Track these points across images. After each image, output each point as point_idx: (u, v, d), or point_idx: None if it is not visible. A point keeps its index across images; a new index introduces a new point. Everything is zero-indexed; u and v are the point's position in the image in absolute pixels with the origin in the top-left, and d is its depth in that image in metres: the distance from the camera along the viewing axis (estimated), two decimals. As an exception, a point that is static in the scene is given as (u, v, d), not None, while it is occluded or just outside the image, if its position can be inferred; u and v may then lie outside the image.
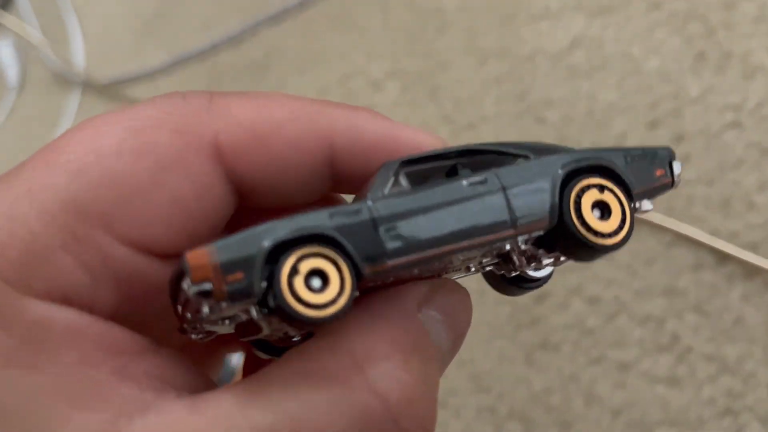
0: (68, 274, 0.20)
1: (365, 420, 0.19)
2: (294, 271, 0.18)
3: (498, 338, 0.44)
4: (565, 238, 0.21)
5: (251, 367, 0.26)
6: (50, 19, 0.74)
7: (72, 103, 0.69)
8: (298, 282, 0.18)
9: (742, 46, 0.47)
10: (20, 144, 0.68)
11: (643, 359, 0.42)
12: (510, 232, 0.20)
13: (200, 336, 0.22)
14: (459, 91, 0.54)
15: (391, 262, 0.19)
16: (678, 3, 0.50)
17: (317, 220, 0.19)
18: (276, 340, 0.22)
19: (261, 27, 0.64)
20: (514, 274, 0.24)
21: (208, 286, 0.18)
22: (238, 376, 0.33)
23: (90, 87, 0.69)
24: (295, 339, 0.22)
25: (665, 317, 0.42)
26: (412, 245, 0.19)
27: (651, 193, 0.23)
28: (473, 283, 0.47)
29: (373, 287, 0.21)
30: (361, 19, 0.60)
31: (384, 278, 0.20)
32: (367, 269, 0.19)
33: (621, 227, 0.21)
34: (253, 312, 0.19)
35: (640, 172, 0.22)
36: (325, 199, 0.24)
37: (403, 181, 0.21)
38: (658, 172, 0.23)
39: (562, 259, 0.23)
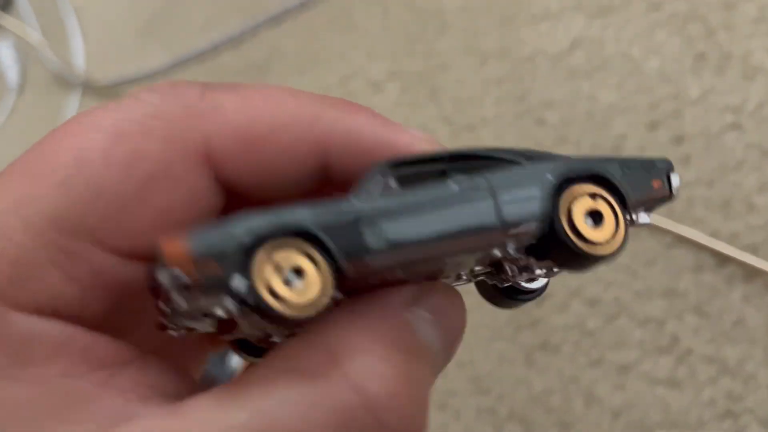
0: (56, 288, 0.19)
1: (344, 415, 0.18)
2: (271, 265, 0.18)
3: (498, 339, 0.44)
4: (556, 247, 0.20)
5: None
6: (50, 20, 0.74)
7: (72, 104, 0.69)
8: (275, 277, 0.18)
9: (742, 47, 0.47)
10: (20, 145, 0.68)
11: (643, 361, 0.42)
12: (499, 236, 0.20)
13: (180, 332, 0.21)
14: (459, 92, 0.54)
15: (372, 261, 0.19)
16: (678, 4, 0.50)
17: (298, 214, 0.18)
18: (258, 340, 0.22)
19: (261, 28, 0.64)
20: (506, 285, 0.23)
21: (181, 275, 0.18)
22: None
23: (90, 88, 0.69)
24: (275, 340, 0.21)
25: (665, 319, 0.42)
26: (395, 245, 0.19)
27: (648, 205, 0.22)
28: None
29: (360, 290, 0.20)
30: (361, 20, 0.60)
31: (369, 279, 0.20)
32: (347, 267, 0.18)
33: (614, 236, 0.21)
34: (229, 306, 0.18)
35: (636, 183, 0.22)
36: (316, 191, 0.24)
37: (392, 182, 0.21)
38: (656, 184, 0.22)
39: (555, 269, 0.22)
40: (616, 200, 0.21)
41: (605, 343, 0.42)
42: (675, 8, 0.50)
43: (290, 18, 0.64)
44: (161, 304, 0.20)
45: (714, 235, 0.42)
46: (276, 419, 0.18)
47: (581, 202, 0.21)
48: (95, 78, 0.69)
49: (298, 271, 0.18)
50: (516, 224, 0.20)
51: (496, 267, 0.22)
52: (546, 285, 0.24)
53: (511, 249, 0.21)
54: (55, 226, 0.19)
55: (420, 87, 0.55)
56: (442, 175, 0.21)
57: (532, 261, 0.21)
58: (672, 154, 0.45)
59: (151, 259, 0.20)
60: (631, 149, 0.46)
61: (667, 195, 0.23)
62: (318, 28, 0.62)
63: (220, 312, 0.19)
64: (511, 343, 0.44)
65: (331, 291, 0.18)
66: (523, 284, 0.23)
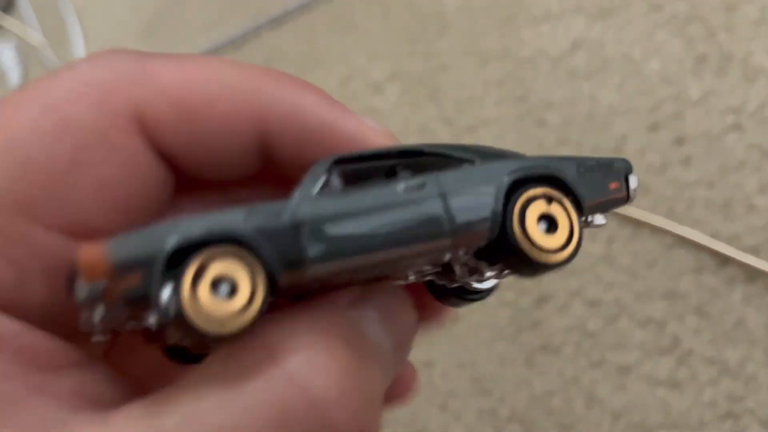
0: None
1: (286, 414, 0.17)
2: (199, 275, 0.16)
3: (499, 341, 0.44)
4: (506, 252, 0.19)
5: None
6: (52, 21, 0.75)
7: (73, 105, 0.69)
8: (203, 288, 0.16)
9: (742, 49, 0.47)
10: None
11: (643, 362, 0.42)
12: (447, 242, 0.19)
13: (105, 337, 0.19)
14: (460, 93, 0.54)
15: (311, 270, 0.17)
16: (679, 5, 0.50)
17: (232, 219, 0.17)
18: (195, 346, 0.20)
19: (262, 29, 0.64)
20: (455, 285, 0.22)
21: (100, 287, 0.16)
22: None
23: (91, 89, 0.69)
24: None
25: (666, 320, 0.42)
26: (336, 252, 0.18)
27: (603, 207, 0.21)
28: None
29: (305, 293, 0.19)
30: (362, 21, 0.60)
31: (314, 284, 0.19)
32: (284, 276, 0.17)
33: (568, 243, 0.20)
34: (153, 321, 0.17)
35: (593, 184, 0.21)
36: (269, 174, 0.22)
37: (336, 181, 0.19)
38: (613, 185, 0.21)
39: (506, 272, 0.21)
40: (571, 203, 0.20)
41: (606, 344, 0.42)
42: (676, 9, 0.50)
43: (291, 19, 0.64)
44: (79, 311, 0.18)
45: (715, 236, 0.42)
46: (206, 424, 0.16)
47: (535, 206, 0.20)
48: (96, 79, 0.69)
49: (230, 283, 0.16)
50: (466, 229, 0.19)
51: (444, 268, 0.21)
52: (496, 285, 0.23)
53: (461, 252, 0.20)
54: None
55: (420, 88, 0.55)
56: (391, 172, 0.20)
57: (482, 264, 0.20)
58: (673, 156, 0.45)
59: (94, 236, 0.19)
60: (632, 150, 0.46)
61: (624, 197, 0.22)
62: (318, 29, 0.62)
63: (146, 323, 0.17)
64: (511, 344, 0.44)
65: (264, 302, 0.17)
66: (473, 284, 0.22)
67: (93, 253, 0.16)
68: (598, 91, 0.49)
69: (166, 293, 0.16)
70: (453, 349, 0.45)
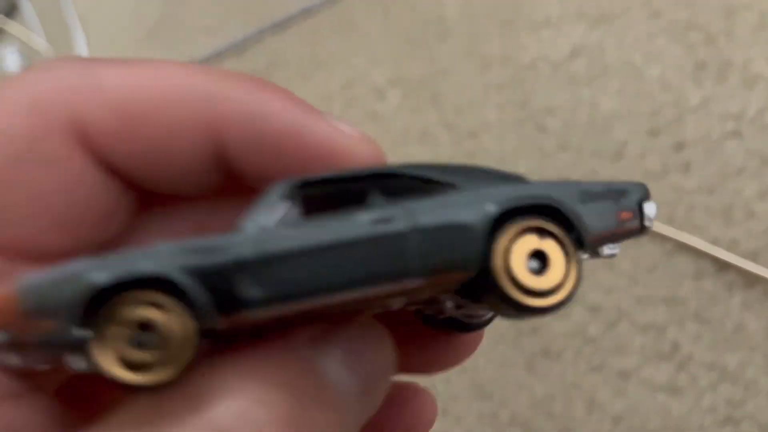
0: None
1: None
2: (119, 323, 0.14)
3: (500, 345, 0.45)
4: (488, 292, 0.17)
5: None
6: (55, 26, 0.75)
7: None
8: (121, 337, 0.14)
9: (742, 55, 0.47)
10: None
11: (643, 367, 0.42)
12: (419, 283, 0.16)
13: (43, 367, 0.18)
14: (460, 98, 0.54)
15: (252, 314, 0.15)
16: (679, 11, 0.50)
17: (159, 259, 0.15)
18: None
19: (265, 34, 0.65)
20: (443, 318, 0.20)
21: (12, 332, 0.15)
22: None
23: (94, 93, 0.69)
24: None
25: (666, 325, 0.42)
26: (280, 295, 0.15)
27: (612, 240, 0.19)
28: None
29: (264, 328, 0.17)
30: (364, 27, 0.61)
31: (270, 322, 0.16)
32: (218, 321, 0.15)
33: (561, 285, 0.17)
34: (72, 364, 0.15)
35: (599, 214, 0.18)
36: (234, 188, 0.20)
37: (293, 209, 0.17)
38: (624, 215, 0.18)
39: (491, 313, 0.19)
40: (569, 238, 0.17)
41: (606, 349, 0.43)
42: (675, 16, 0.50)
43: (293, 24, 0.64)
44: None
45: (714, 242, 0.43)
46: None
47: (525, 241, 0.17)
48: (99, 84, 0.69)
49: (153, 329, 0.15)
50: (442, 269, 0.16)
51: (430, 301, 0.19)
52: (492, 317, 0.21)
53: (439, 291, 0.17)
54: None
55: (422, 93, 0.55)
56: (361, 196, 0.18)
57: (466, 302, 0.18)
58: (673, 161, 0.45)
59: (40, 259, 0.17)
60: (632, 155, 0.47)
61: (637, 228, 0.19)
62: (320, 34, 0.62)
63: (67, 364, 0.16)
64: (513, 349, 0.44)
65: (191, 354, 0.15)
66: (464, 319, 0.20)
67: (3, 297, 0.15)
68: (598, 97, 0.50)
69: (83, 340, 0.14)
70: (454, 353, 0.45)
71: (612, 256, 0.19)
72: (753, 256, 0.41)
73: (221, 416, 0.15)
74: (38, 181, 0.18)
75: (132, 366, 0.15)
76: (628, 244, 0.44)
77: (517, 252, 0.17)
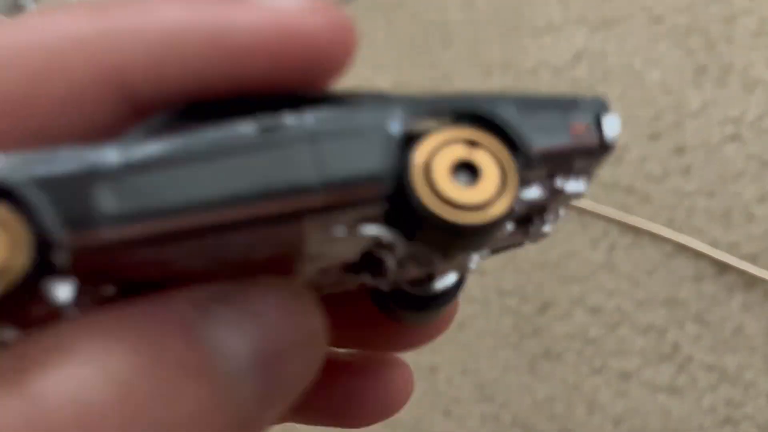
0: None
1: None
2: None
3: (502, 348, 0.45)
4: (409, 216, 0.14)
5: None
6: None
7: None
8: None
9: (742, 60, 0.47)
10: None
11: (644, 368, 0.42)
12: (317, 199, 0.13)
13: None
14: (463, 103, 0.54)
15: (107, 232, 0.13)
16: (679, 16, 0.50)
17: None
18: None
19: (268, 40, 0.65)
20: (394, 289, 0.18)
21: None
22: None
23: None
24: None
25: (666, 327, 0.43)
26: (141, 210, 0.13)
27: (566, 158, 0.15)
28: (476, 290, 0.47)
29: (147, 282, 0.14)
30: (367, 32, 0.61)
31: (152, 269, 0.14)
32: (65, 238, 0.12)
33: (494, 199, 0.14)
34: None
35: (544, 126, 0.15)
36: None
37: (174, 125, 0.15)
38: (577, 127, 0.15)
39: (433, 256, 0.15)
40: (507, 152, 0.14)
41: (607, 351, 0.43)
42: (676, 21, 0.50)
43: (297, 30, 0.64)
44: None
45: (714, 244, 0.43)
46: None
47: (449, 151, 0.14)
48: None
49: None
50: (345, 182, 0.13)
51: (371, 263, 0.16)
52: (452, 289, 0.18)
53: (357, 218, 0.14)
54: None
55: (425, 98, 0.56)
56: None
57: (398, 238, 0.15)
58: (673, 165, 0.46)
59: None
60: (632, 160, 0.47)
61: (596, 145, 0.16)
62: (324, 39, 0.63)
63: None
64: (514, 351, 0.45)
65: (21, 274, 0.12)
66: (411, 290, 0.18)
67: None
68: (599, 102, 0.50)
69: None
70: (457, 355, 0.45)
71: (578, 195, 0.16)
72: (753, 259, 0.42)
73: (41, 387, 0.12)
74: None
75: None
76: (629, 246, 0.44)
77: (439, 162, 0.14)
